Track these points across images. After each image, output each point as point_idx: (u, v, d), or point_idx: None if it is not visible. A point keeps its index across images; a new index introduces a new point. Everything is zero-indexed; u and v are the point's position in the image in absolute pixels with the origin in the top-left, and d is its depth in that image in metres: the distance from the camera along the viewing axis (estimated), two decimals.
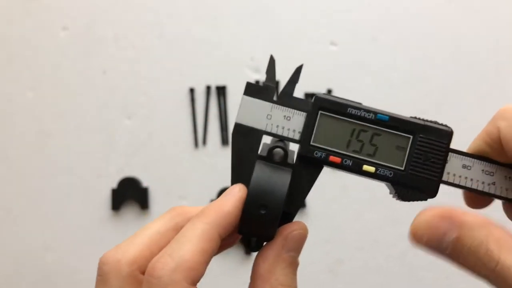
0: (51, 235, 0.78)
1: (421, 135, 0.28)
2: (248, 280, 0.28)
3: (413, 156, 0.28)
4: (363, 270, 0.77)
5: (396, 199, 0.29)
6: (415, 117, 0.29)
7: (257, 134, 0.30)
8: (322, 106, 0.29)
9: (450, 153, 0.29)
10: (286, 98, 0.30)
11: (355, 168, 0.28)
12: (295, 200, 0.29)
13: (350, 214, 0.78)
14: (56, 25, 0.79)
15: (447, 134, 0.28)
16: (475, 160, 0.29)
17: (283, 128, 0.29)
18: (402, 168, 0.28)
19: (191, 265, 0.24)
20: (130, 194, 0.77)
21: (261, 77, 0.78)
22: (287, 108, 0.29)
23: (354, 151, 0.28)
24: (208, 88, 0.79)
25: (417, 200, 0.29)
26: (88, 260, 0.78)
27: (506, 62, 0.79)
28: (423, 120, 0.29)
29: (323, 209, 0.77)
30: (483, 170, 0.29)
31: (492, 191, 0.29)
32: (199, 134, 0.78)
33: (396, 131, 0.28)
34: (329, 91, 0.78)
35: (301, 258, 0.28)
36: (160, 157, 0.78)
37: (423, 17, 0.79)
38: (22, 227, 0.78)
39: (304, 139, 0.29)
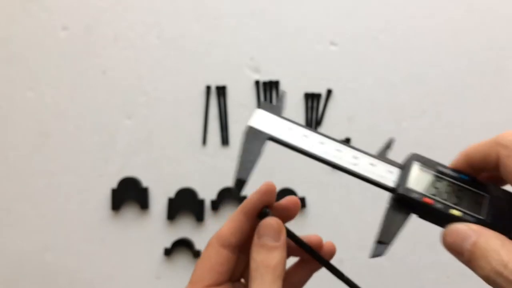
0: (51, 235, 0.78)
1: (495, 196, 0.33)
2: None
3: (491, 209, 0.33)
4: (364, 270, 0.77)
5: None
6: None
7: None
8: (417, 160, 0.35)
9: None
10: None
11: (444, 211, 0.33)
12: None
13: (351, 214, 0.78)
14: (56, 25, 0.79)
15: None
16: None
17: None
18: (484, 218, 0.33)
19: (220, 233, 0.37)
20: (130, 194, 0.77)
21: (261, 77, 0.78)
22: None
23: (443, 198, 0.34)
24: (208, 88, 0.79)
25: None
26: (88, 260, 0.78)
27: (506, 62, 0.79)
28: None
29: (324, 209, 0.77)
30: None
31: None
32: (199, 134, 0.78)
33: (476, 189, 0.34)
34: (329, 91, 0.78)
35: None
36: (160, 157, 0.78)
37: (423, 17, 0.79)
38: (22, 227, 0.78)
39: (401, 183, 0.35)
